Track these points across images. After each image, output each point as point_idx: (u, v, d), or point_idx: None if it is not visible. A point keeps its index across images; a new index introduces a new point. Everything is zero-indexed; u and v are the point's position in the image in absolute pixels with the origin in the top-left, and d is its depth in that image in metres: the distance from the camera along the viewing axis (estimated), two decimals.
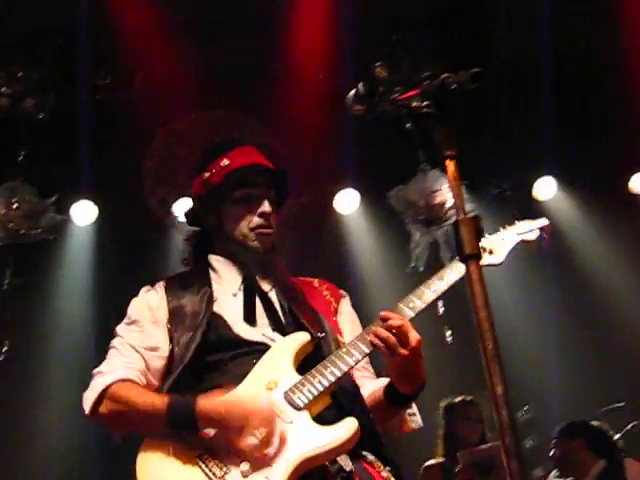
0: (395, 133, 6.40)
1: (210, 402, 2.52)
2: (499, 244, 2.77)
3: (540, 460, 6.22)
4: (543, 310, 8.54)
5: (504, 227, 2.86)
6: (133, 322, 2.89)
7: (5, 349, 7.42)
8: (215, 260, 3.03)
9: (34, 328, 7.62)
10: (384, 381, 2.78)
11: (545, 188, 8.43)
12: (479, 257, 2.03)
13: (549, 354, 8.36)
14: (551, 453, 6.08)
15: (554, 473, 6.35)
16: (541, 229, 2.81)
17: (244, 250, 2.94)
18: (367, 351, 2.62)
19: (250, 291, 2.88)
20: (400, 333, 2.54)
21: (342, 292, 3.06)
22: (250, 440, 2.42)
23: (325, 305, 2.93)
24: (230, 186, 3.00)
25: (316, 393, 2.53)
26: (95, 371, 2.78)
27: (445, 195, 7.18)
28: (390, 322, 2.56)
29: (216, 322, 2.78)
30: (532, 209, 8.49)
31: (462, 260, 2.03)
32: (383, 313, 2.65)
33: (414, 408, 2.82)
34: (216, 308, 2.82)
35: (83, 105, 7.25)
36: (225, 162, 3.03)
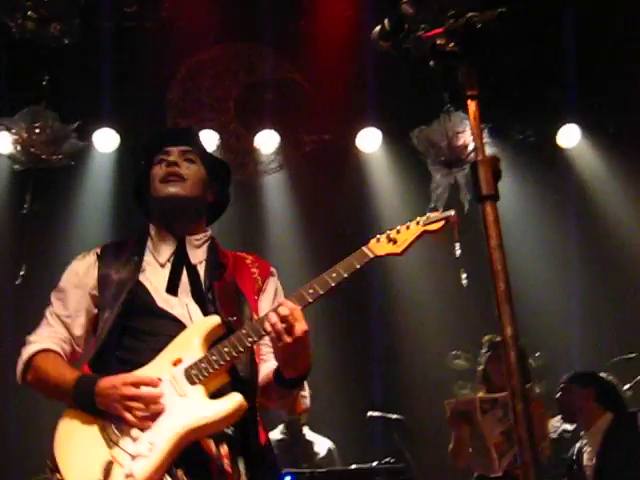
0: (420, 72, 6.34)
1: (108, 381, 2.68)
2: (404, 235, 2.79)
3: (550, 406, 6.26)
4: (563, 259, 8.52)
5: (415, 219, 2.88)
6: (60, 290, 3.02)
7: (22, 273, 7.48)
8: (152, 229, 3.10)
9: (52, 253, 7.66)
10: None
11: (569, 136, 8.38)
12: (496, 198, 2.02)
13: (566, 302, 8.36)
14: (557, 396, 6.13)
15: (557, 418, 6.43)
16: (446, 221, 2.81)
17: (160, 204, 3.03)
18: (263, 333, 2.68)
19: (178, 262, 2.95)
20: (287, 321, 2.59)
21: (272, 270, 3.06)
22: (137, 411, 2.61)
23: (250, 284, 2.96)
24: (149, 155, 3.11)
25: (211, 370, 2.64)
26: (26, 339, 2.95)
27: (467, 137, 7.13)
28: (279, 309, 2.63)
29: (139, 291, 2.87)
30: (556, 156, 8.46)
31: (478, 200, 2.03)
32: (281, 300, 2.76)
33: (306, 391, 2.91)
34: (142, 278, 2.90)
35: (108, 32, 7.22)
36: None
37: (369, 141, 8.36)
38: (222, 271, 2.93)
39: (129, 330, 2.80)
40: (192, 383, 2.63)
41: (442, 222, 2.76)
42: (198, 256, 2.97)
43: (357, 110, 8.07)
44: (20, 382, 2.91)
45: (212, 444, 2.66)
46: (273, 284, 3.02)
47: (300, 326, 2.56)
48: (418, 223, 2.78)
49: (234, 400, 2.59)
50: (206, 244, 3.03)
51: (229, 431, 2.70)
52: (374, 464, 5.95)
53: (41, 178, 7.67)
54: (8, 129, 7.36)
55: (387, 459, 5.98)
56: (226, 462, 2.66)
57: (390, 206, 8.55)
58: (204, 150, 3.17)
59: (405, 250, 2.74)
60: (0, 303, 8.04)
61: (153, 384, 2.64)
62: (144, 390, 2.62)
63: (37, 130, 7.24)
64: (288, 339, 2.56)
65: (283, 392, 2.77)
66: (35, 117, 7.27)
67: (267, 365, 2.90)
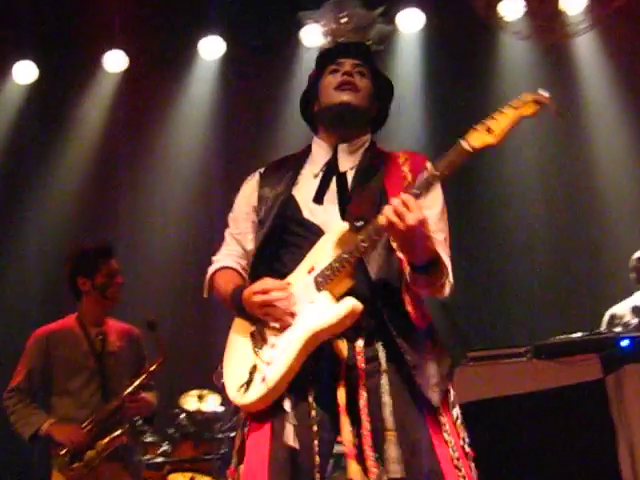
0: None
1: (246, 290, 2.80)
2: (500, 122, 2.51)
3: None
4: None
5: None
6: (233, 212, 3.16)
7: None
8: (314, 142, 3.09)
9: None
10: None
11: None
12: None
13: None
14: None
15: None
16: (541, 103, 2.51)
17: (331, 110, 2.99)
18: (377, 234, 2.59)
19: (328, 171, 2.93)
20: (399, 212, 2.48)
21: (426, 164, 2.84)
22: (272, 316, 2.71)
23: (399, 181, 2.83)
24: (321, 64, 3.12)
25: (333, 277, 2.63)
26: (211, 259, 3.14)
27: None
28: (392, 200, 2.53)
29: (290, 204, 2.90)
30: None
31: None
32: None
33: (449, 277, 2.65)
34: (294, 191, 2.93)
35: None
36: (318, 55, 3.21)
37: None
38: (371, 175, 2.89)
39: (280, 242, 2.87)
40: (319, 290, 2.66)
41: (537, 105, 2.52)
42: (349, 162, 2.95)
43: None
44: (207, 296, 3.13)
45: (343, 345, 2.66)
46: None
47: (414, 215, 2.47)
48: (512, 107, 2.53)
49: (345, 305, 2.59)
50: (361, 149, 3.00)
51: (368, 324, 2.69)
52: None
53: None
54: (316, 21, 7.57)
55: None
56: (359, 359, 2.65)
57: None
58: (374, 65, 3.14)
59: (501, 139, 2.51)
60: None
61: (281, 288, 2.72)
62: (273, 295, 2.70)
63: (344, 19, 7.40)
64: (402, 227, 2.47)
65: (422, 280, 2.65)
66: (340, 6, 7.42)
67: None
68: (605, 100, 8.33)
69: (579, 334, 5.45)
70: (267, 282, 2.77)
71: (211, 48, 8.81)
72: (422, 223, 2.48)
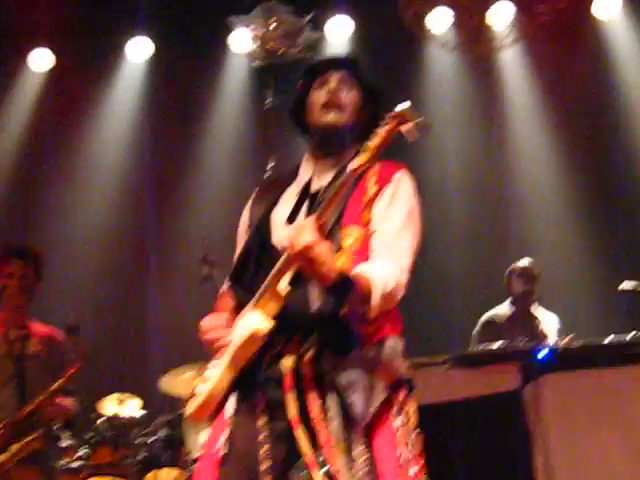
0: None
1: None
2: (373, 141, 2.55)
3: None
4: None
5: None
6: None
7: (271, 165, 7.76)
8: (304, 158, 3.07)
9: (294, 145, 7.88)
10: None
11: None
12: None
13: None
14: None
15: None
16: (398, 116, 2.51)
17: (318, 130, 2.98)
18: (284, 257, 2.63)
19: (304, 191, 2.92)
20: (290, 236, 2.53)
21: (393, 176, 2.86)
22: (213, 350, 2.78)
23: (359, 199, 2.80)
24: (309, 80, 3.06)
25: (259, 296, 2.67)
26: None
27: None
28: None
29: (263, 227, 2.89)
30: None
31: None
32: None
33: (372, 298, 2.65)
34: (273, 212, 2.92)
35: None
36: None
37: (607, 7, 7.99)
38: (338, 195, 2.68)
39: (255, 265, 2.85)
40: (253, 308, 2.68)
41: (397, 119, 2.50)
42: (323, 181, 2.90)
43: None
44: None
45: (288, 360, 2.68)
46: (390, 190, 2.84)
47: (302, 238, 2.47)
48: (383, 125, 2.54)
49: (247, 327, 2.63)
50: (338, 166, 2.91)
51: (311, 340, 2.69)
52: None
53: (279, 73, 7.89)
54: (246, 26, 7.59)
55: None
56: (307, 372, 2.66)
57: (633, 78, 8.19)
58: (363, 76, 3.08)
59: (370, 157, 2.55)
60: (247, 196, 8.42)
61: (216, 328, 2.79)
62: (209, 335, 2.79)
63: (273, 25, 7.43)
64: (292, 252, 2.51)
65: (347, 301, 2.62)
66: (270, 13, 7.44)
67: None
68: (528, 111, 8.50)
69: (497, 343, 5.52)
70: (205, 322, 2.81)
71: (139, 50, 8.75)
72: (308, 247, 2.46)
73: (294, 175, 3.04)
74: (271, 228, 2.88)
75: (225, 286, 3.02)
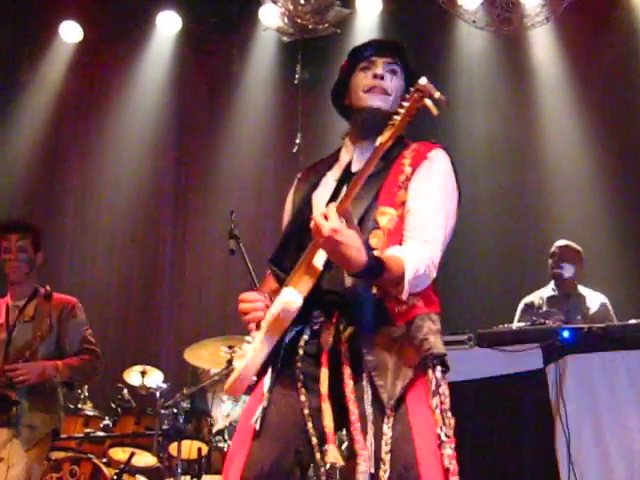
0: None
1: None
2: (399, 116, 2.56)
3: None
4: None
5: None
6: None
7: (298, 142, 7.76)
8: (343, 143, 3.08)
9: (326, 120, 7.87)
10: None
11: None
12: None
13: None
14: None
15: None
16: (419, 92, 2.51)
17: (361, 114, 2.97)
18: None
19: (344, 173, 2.94)
20: (317, 223, 2.52)
21: (428, 155, 2.87)
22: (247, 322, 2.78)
23: (395, 180, 2.83)
24: (353, 62, 3.05)
25: (293, 271, 2.70)
26: None
27: None
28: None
29: (305, 208, 2.92)
30: None
31: None
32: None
33: (406, 277, 2.63)
34: (314, 195, 2.95)
35: None
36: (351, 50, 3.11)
37: None
38: (375, 176, 2.79)
39: (297, 245, 2.87)
40: (285, 285, 2.70)
41: (418, 94, 2.51)
42: (363, 162, 2.81)
43: None
44: None
45: (329, 334, 2.72)
46: (425, 169, 2.85)
47: (328, 225, 2.48)
48: (407, 100, 2.56)
49: (281, 299, 2.64)
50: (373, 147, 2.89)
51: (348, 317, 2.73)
52: None
53: (308, 48, 7.89)
54: (274, 2, 7.58)
55: None
56: (343, 350, 2.69)
57: None
58: (407, 63, 3.08)
59: (396, 131, 2.58)
60: (283, 168, 8.44)
61: (252, 300, 2.80)
62: (242, 307, 2.80)
63: (302, 0, 7.41)
64: (319, 239, 2.51)
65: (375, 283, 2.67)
66: None
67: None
68: (558, 91, 8.43)
69: (521, 324, 5.51)
70: (245, 294, 2.82)
71: (168, 23, 8.76)
72: (335, 232, 2.47)
73: (335, 159, 3.06)
74: (313, 209, 2.89)
75: (269, 269, 3.05)
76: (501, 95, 8.49)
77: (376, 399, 2.62)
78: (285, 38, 7.77)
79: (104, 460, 5.72)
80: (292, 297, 2.63)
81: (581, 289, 6.35)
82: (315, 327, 2.74)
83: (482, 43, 8.46)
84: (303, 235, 2.81)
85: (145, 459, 5.93)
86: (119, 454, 5.84)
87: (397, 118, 2.55)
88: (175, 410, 5.99)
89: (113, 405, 6.38)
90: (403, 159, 2.86)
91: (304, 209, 2.92)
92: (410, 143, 2.95)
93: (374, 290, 2.67)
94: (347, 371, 2.67)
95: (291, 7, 7.41)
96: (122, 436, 5.92)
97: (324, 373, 2.68)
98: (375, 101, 2.94)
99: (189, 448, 5.89)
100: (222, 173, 8.79)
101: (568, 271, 6.33)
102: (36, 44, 8.87)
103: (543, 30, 8.16)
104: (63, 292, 5.19)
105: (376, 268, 2.54)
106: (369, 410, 2.62)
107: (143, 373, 6.61)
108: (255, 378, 2.79)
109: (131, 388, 6.59)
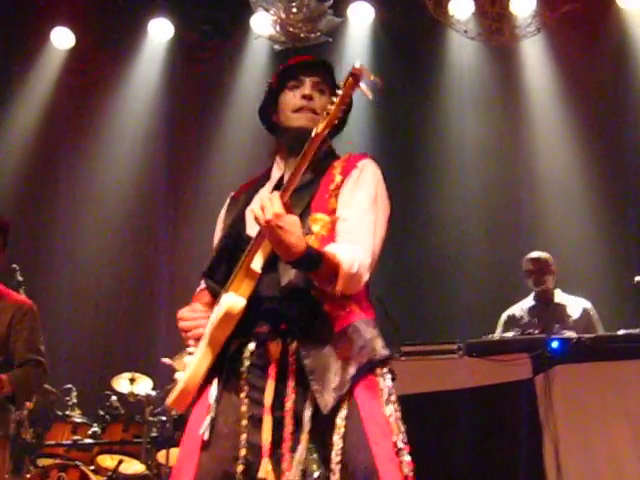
0: None
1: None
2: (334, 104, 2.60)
3: None
4: None
5: None
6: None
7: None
8: (275, 160, 3.10)
9: None
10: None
11: None
12: None
13: None
14: None
15: None
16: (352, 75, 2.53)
17: (288, 132, 2.98)
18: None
19: (276, 188, 2.89)
20: (262, 205, 2.54)
21: (357, 164, 2.91)
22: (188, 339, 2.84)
23: (326, 189, 2.85)
24: (282, 81, 3.05)
25: (232, 277, 2.71)
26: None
27: None
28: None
29: (238, 222, 2.94)
30: None
31: None
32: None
33: (340, 272, 2.64)
34: (247, 209, 2.95)
35: None
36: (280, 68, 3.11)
37: None
38: (306, 189, 2.84)
39: (230, 259, 2.87)
40: (225, 291, 2.71)
41: (351, 78, 2.53)
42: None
43: None
44: None
45: (276, 346, 2.71)
46: (354, 177, 2.88)
47: (272, 209, 2.51)
48: (340, 87, 2.59)
49: (221, 306, 2.67)
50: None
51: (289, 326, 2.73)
52: None
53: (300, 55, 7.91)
54: (266, 10, 7.59)
55: None
56: (290, 361, 2.68)
57: None
58: (334, 82, 3.05)
59: (332, 118, 2.59)
60: None
61: (189, 318, 2.85)
62: (181, 325, 2.86)
63: (294, 9, 7.42)
64: (262, 222, 2.53)
65: (311, 276, 2.66)
66: None
67: None
68: (549, 101, 8.46)
69: (510, 334, 5.52)
70: (181, 312, 2.87)
71: (159, 30, 8.77)
72: (278, 217, 2.49)
73: (267, 177, 3.07)
74: (246, 222, 2.91)
75: (202, 283, 3.07)
76: (492, 105, 8.52)
77: (319, 410, 2.60)
78: (277, 46, 7.77)
79: (92, 467, 5.72)
80: (234, 300, 2.64)
81: (562, 297, 6.38)
82: (261, 338, 2.72)
83: (473, 53, 8.48)
84: (237, 248, 2.82)
85: (133, 467, 5.92)
86: (107, 461, 5.84)
87: (331, 107, 2.57)
88: (164, 418, 5.98)
89: (101, 412, 6.37)
90: (333, 169, 2.89)
91: (238, 224, 2.94)
92: (341, 155, 2.99)
93: (312, 292, 2.67)
94: (291, 384, 2.66)
95: (283, 15, 7.42)
96: (110, 443, 5.92)
97: (270, 385, 2.67)
98: (304, 121, 2.94)
99: (176, 456, 5.88)
100: (214, 180, 8.79)
101: (550, 283, 6.38)
102: (27, 50, 8.86)
103: (534, 41, 8.19)
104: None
105: (314, 258, 2.55)
106: (310, 423, 2.62)
107: (132, 380, 6.59)
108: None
109: (120, 395, 6.57)
